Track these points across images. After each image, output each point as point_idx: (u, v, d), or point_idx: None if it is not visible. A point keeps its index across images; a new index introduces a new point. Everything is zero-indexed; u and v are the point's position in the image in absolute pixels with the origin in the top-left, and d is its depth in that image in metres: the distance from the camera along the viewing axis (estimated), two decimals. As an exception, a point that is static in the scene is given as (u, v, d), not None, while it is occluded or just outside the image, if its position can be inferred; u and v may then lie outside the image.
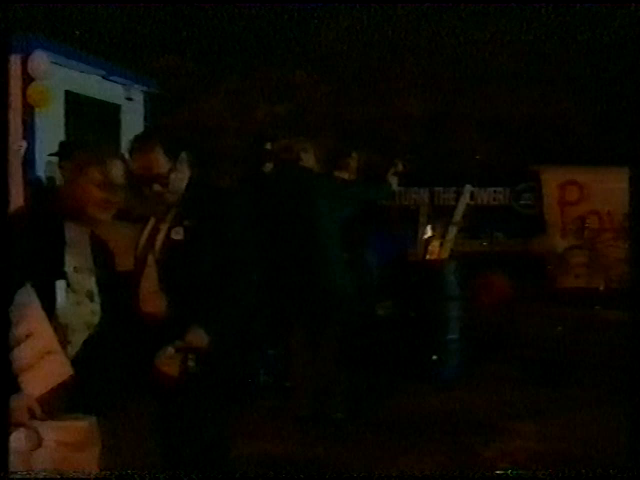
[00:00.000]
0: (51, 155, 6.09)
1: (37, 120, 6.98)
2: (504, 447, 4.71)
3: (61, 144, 5.97)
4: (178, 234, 3.02)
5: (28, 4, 10.92)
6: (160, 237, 3.07)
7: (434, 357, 6.14)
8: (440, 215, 7.33)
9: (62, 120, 7.44)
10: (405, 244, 7.20)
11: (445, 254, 6.60)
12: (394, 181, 5.83)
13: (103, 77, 8.14)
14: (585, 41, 13.13)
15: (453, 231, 6.72)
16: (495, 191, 10.87)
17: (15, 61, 6.49)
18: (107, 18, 13.34)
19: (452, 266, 6.42)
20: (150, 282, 3.04)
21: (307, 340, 5.17)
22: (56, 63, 7.20)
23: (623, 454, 3.29)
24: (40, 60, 6.84)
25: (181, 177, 3.09)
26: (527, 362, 6.62)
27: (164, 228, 3.07)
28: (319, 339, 5.12)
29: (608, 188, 9.63)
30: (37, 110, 6.96)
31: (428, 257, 6.66)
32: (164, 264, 3.03)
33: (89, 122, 7.75)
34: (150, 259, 3.06)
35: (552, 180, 10.54)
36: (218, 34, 13.84)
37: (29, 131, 6.89)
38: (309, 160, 5.27)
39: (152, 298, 3.04)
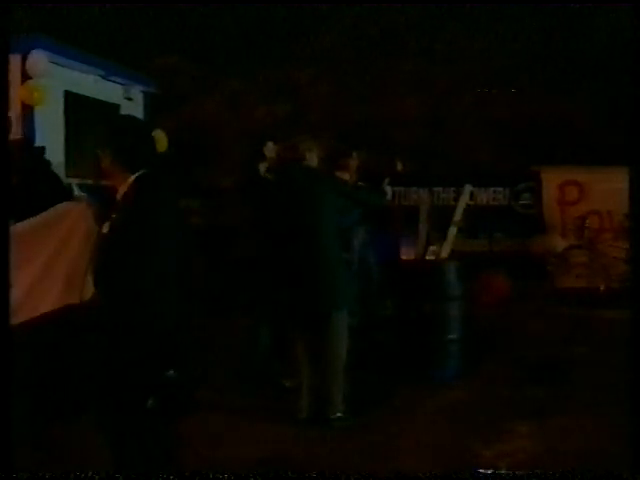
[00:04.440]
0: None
1: (37, 120, 6.98)
2: (504, 447, 4.71)
3: None
4: (106, 228, 3.14)
5: (28, 4, 10.91)
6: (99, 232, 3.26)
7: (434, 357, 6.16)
8: (440, 215, 7.33)
9: (62, 120, 7.44)
10: (405, 244, 7.20)
11: (445, 254, 6.60)
12: (389, 190, 6.24)
13: (102, 77, 8.14)
14: (585, 40, 13.12)
15: (453, 231, 6.72)
16: (495, 191, 10.87)
17: (15, 61, 6.49)
18: (107, 18, 13.33)
19: (452, 266, 6.42)
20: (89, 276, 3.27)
21: (307, 341, 5.17)
22: (55, 63, 7.20)
23: (623, 454, 3.29)
24: (38, 59, 6.84)
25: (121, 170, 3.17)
26: (527, 362, 6.62)
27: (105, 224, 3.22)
28: (319, 340, 5.12)
29: (608, 188, 9.62)
30: (37, 111, 6.96)
31: (428, 257, 6.66)
32: (94, 261, 3.21)
33: (88, 122, 7.75)
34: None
35: (552, 180, 10.54)
36: (218, 34, 13.84)
37: (29, 132, 6.88)
38: (313, 160, 5.28)
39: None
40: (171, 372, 3.06)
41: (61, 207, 4.11)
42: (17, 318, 3.75)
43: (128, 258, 3.02)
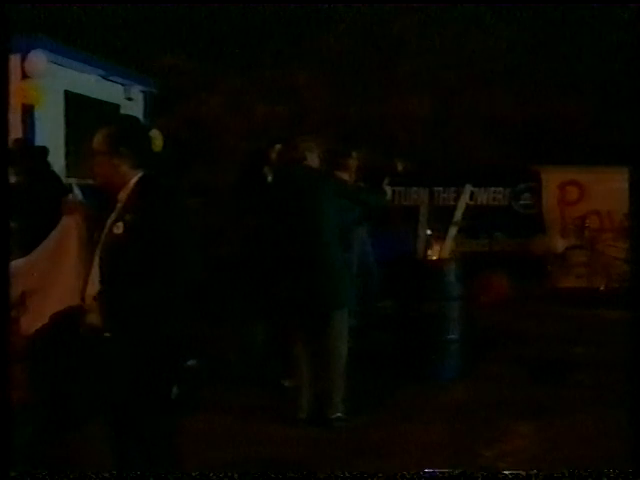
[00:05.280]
0: None
1: (37, 120, 6.99)
2: (504, 447, 4.71)
3: None
4: (118, 228, 3.06)
5: (28, 4, 10.91)
6: (104, 233, 3.13)
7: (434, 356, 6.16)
8: (440, 215, 7.32)
9: (62, 120, 7.44)
10: (405, 244, 7.20)
11: (445, 254, 6.60)
12: (389, 190, 6.38)
13: (103, 77, 8.15)
14: (585, 40, 13.12)
15: (453, 231, 6.72)
16: (495, 191, 10.86)
17: (15, 61, 6.49)
18: (107, 18, 13.33)
19: (452, 266, 6.42)
20: (95, 281, 3.12)
21: (307, 341, 5.17)
22: (55, 63, 7.20)
23: (623, 454, 3.29)
24: (37, 59, 6.84)
25: (119, 171, 3.14)
26: (527, 362, 6.62)
27: (108, 224, 3.13)
28: (319, 339, 5.12)
29: (608, 188, 9.63)
30: (37, 111, 6.96)
31: (428, 257, 6.66)
32: (104, 260, 3.09)
33: (89, 122, 7.75)
34: (96, 258, 3.14)
35: (552, 180, 10.53)
36: (218, 34, 13.84)
37: (29, 132, 6.89)
38: (314, 160, 5.28)
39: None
40: (192, 361, 3.05)
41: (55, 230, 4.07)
42: (24, 331, 3.72)
43: (146, 256, 3.00)
